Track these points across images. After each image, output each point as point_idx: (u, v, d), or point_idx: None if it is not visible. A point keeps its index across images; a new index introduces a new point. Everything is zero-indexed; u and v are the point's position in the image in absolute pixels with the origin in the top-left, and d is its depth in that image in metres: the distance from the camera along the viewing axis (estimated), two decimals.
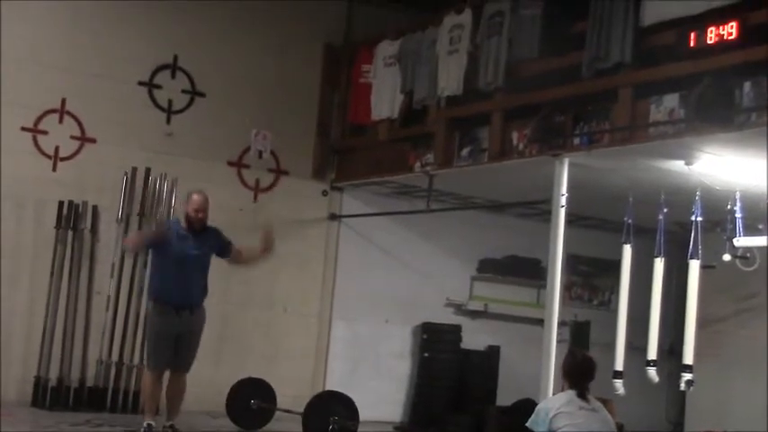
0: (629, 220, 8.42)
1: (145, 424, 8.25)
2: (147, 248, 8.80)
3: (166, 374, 8.44)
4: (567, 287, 12.26)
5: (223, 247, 8.52)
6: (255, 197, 11.09)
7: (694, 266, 8.13)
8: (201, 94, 10.80)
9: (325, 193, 11.48)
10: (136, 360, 10.06)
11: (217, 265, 10.55)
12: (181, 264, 8.21)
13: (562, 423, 5.67)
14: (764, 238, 8.43)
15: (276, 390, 9.77)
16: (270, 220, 8.80)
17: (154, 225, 9.58)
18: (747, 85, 7.22)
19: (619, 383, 8.24)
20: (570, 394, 5.83)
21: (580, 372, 5.92)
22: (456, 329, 11.74)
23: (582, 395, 5.83)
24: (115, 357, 10.04)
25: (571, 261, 11.87)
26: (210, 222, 10.70)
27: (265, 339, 10.97)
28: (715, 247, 8.51)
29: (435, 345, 11.57)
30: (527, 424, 5.84)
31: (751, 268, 8.69)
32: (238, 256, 8.65)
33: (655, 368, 8.26)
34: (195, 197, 8.37)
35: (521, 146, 9.03)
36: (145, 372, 8.70)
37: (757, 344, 11.22)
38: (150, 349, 8.44)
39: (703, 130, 7.47)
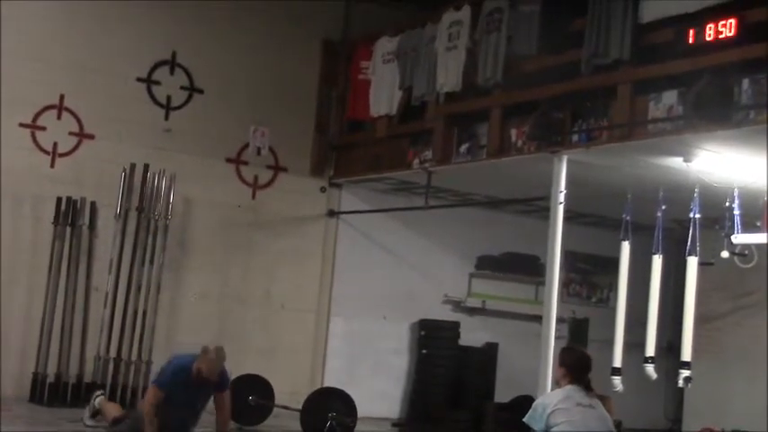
0: (628, 217, 8.43)
1: None
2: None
3: None
4: (565, 284, 12.28)
5: (219, 386, 7.88)
6: (254, 194, 11.09)
7: (692, 263, 8.13)
8: (200, 91, 10.79)
9: (323, 190, 11.48)
10: (134, 356, 10.05)
11: (214, 262, 10.59)
12: (186, 402, 7.79)
13: (559, 419, 5.68)
14: (763, 235, 8.44)
15: (274, 386, 9.77)
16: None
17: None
18: (746, 83, 7.23)
19: (617, 380, 8.24)
20: (567, 390, 5.83)
21: (581, 366, 5.93)
22: (454, 326, 11.74)
23: (587, 388, 5.83)
24: (113, 353, 10.03)
25: (569, 258, 11.87)
26: (208, 218, 10.78)
27: (263, 336, 10.96)
28: (713, 245, 8.52)
29: (433, 341, 11.58)
30: (524, 420, 5.85)
31: (749, 265, 8.70)
32: (224, 403, 7.95)
33: (653, 365, 8.27)
34: (212, 357, 7.70)
35: (519, 142, 9.03)
36: (150, 388, 8.15)
37: (755, 341, 11.24)
38: (147, 416, 7.72)
39: (702, 128, 7.47)
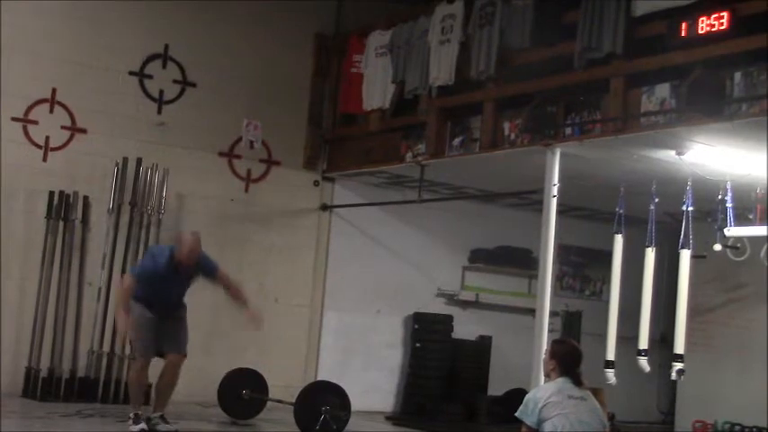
0: (621, 210, 8.43)
1: (132, 414, 8.20)
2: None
3: (157, 367, 8.39)
4: (558, 277, 12.30)
5: (208, 273, 8.33)
6: (247, 187, 11.07)
7: (685, 256, 8.15)
8: (192, 84, 10.77)
9: (316, 184, 11.47)
10: (127, 350, 10.04)
11: (210, 255, 10.54)
12: (166, 284, 8.15)
13: (552, 413, 5.68)
14: (755, 227, 8.45)
15: (268, 380, 9.76)
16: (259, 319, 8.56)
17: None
18: (738, 76, 7.24)
19: (610, 373, 8.26)
20: (559, 383, 5.83)
21: (572, 359, 5.93)
22: (447, 319, 11.74)
23: (578, 382, 5.84)
24: (106, 348, 10.02)
25: (562, 251, 11.89)
26: (203, 214, 10.76)
27: (257, 330, 10.94)
28: (706, 237, 8.54)
29: (427, 335, 11.57)
30: (516, 414, 5.84)
31: (741, 258, 8.72)
32: (225, 280, 8.40)
33: (646, 358, 8.28)
34: (187, 239, 8.13)
35: (512, 136, 9.04)
36: (131, 364, 8.63)
37: (748, 333, 11.27)
38: (135, 336, 8.34)
39: (694, 121, 7.49)
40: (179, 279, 8.21)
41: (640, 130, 7.94)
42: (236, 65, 10.95)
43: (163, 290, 8.16)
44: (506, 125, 9.11)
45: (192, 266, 8.17)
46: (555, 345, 6.19)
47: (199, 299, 10.74)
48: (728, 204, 8.32)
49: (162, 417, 8.31)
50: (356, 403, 9.24)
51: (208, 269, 8.29)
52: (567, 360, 5.93)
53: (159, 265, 8.11)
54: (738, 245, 8.67)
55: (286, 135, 11.23)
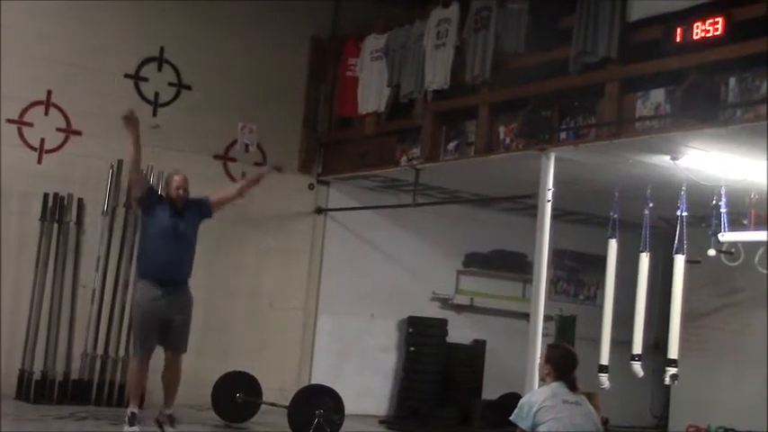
0: (615, 215, 8.44)
1: (129, 412, 8.18)
2: (142, 193, 8.45)
3: (158, 362, 8.38)
4: (552, 282, 12.30)
5: (203, 210, 8.56)
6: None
7: (679, 261, 8.16)
8: (188, 87, 10.77)
9: (311, 187, 11.47)
10: (121, 353, 10.03)
11: (204, 258, 10.55)
12: (167, 236, 8.22)
13: (546, 417, 5.69)
14: (749, 233, 8.46)
15: (262, 383, 9.76)
16: None
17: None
18: (733, 81, 7.25)
19: (604, 377, 8.27)
20: (554, 387, 5.84)
21: (567, 363, 5.94)
22: (442, 323, 11.75)
23: (572, 387, 5.84)
24: (100, 350, 10.00)
25: (557, 256, 11.88)
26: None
27: (251, 332, 10.95)
28: (700, 243, 8.55)
29: (421, 339, 11.58)
30: (511, 418, 5.85)
31: (735, 263, 8.73)
32: (225, 197, 8.81)
33: (640, 362, 8.29)
34: (175, 177, 8.42)
35: (507, 140, 9.05)
36: (131, 358, 8.62)
37: (742, 338, 11.29)
38: (136, 333, 8.36)
39: (689, 126, 7.50)
40: (177, 223, 8.29)
41: (635, 135, 7.95)
42: (232, 68, 10.95)
43: (165, 242, 8.21)
44: (501, 129, 9.12)
45: (185, 205, 8.35)
46: (550, 349, 6.20)
47: (195, 299, 10.76)
48: (723, 209, 8.33)
49: (170, 416, 8.28)
50: (350, 407, 9.23)
51: (203, 206, 8.53)
52: (562, 365, 5.94)
53: (156, 209, 8.31)
54: (733, 250, 8.67)
55: (281, 138, 11.23)
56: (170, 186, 8.43)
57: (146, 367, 8.34)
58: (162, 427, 8.26)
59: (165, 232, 8.23)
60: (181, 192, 8.34)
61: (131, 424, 8.10)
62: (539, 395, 5.87)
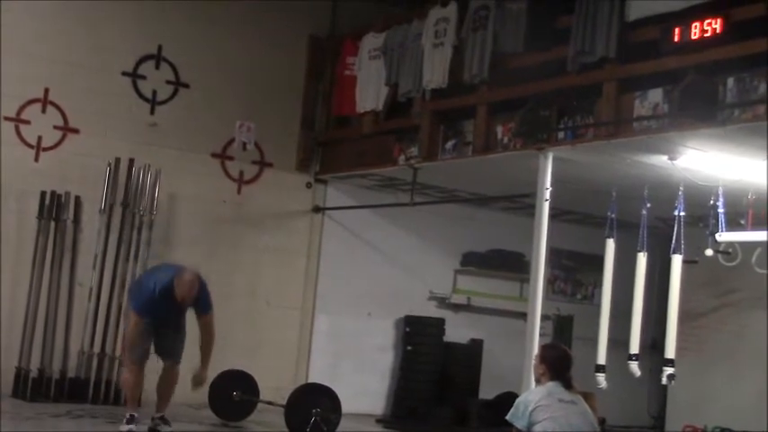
0: (613, 215, 8.45)
1: (128, 415, 8.20)
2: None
3: (153, 367, 8.38)
4: (550, 281, 12.31)
5: (201, 308, 8.17)
6: (239, 189, 11.06)
7: (677, 261, 8.16)
8: (185, 85, 10.75)
9: (309, 186, 11.46)
10: (118, 351, 10.02)
11: (199, 257, 10.56)
12: (162, 316, 8.09)
13: (541, 416, 5.69)
14: (746, 233, 8.47)
15: (259, 382, 9.75)
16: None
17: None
18: (731, 81, 7.25)
19: (601, 377, 8.27)
20: (549, 387, 5.85)
21: (562, 363, 5.95)
22: (439, 323, 11.75)
23: (568, 386, 5.85)
24: (97, 348, 10.00)
25: (554, 255, 11.88)
26: (195, 216, 10.75)
27: (248, 331, 10.94)
28: (697, 243, 8.55)
29: (418, 338, 11.57)
30: (507, 418, 5.86)
31: (733, 263, 8.74)
32: (208, 327, 8.18)
33: (637, 362, 8.29)
34: (187, 279, 7.97)
35: (505, 139, 9.04)
36: (125, 366, 8.55)
37: (739, 338, 11.30)
38: (128, 344, 8.27)
39: (687, 126, 7.50)
40: (176, 308, 8.10)
41: (633, 135, 7.95)
42: (230, 66, 10.93)
43: (160, 313, 8.08)
44: (499, 129, 9.11)
45: (192, 303, 8.09)
46: (544, 349, 6.21)
47: None
48: (720, 210, 8.33)
49: (162, 418, 8.30)
50: (347, 406, 9.22)
51: (202, 304, 8.14)
52: (556, 364, 5.95)
53: (156, 296, 7.99)
54: (730, 250, 8.68)
55: (279, 137, 11.23)
56: (180, 286, 7.94)
57: (140, 374, 8.28)
58: (157, 428, 8.25)
59: (163, 309, 8.01)
60: (190, 299, 8.00)
61: (128, 422, 8.11)
62: (534, 395, 5.88)
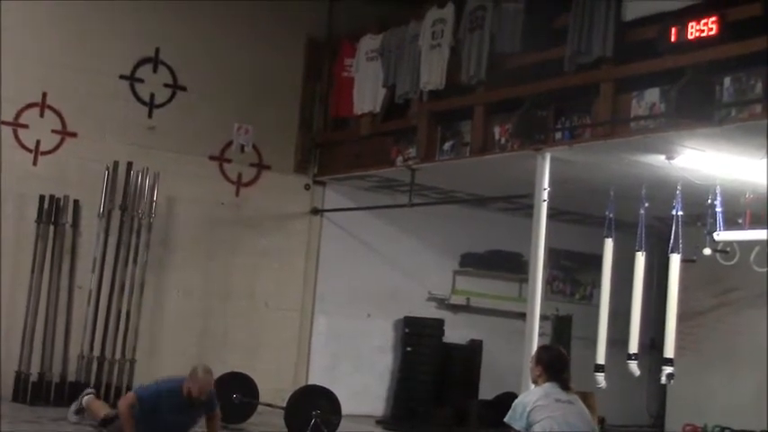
0: (611, 215, 8.46)
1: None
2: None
3: None
4: (548, 281, 12.31)
5: (209, 408, 7.83)
6: (237, 191, 11.07)
7: (675, 260, 8.18)
8: (183, 88, 10.76)
9: (307, 188, 11.47)
10: (117, 355, 10.03)
11: (197, 260, 10.56)
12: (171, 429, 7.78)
13: (539, 416, 5.70)
14: (744, 232, 8.48)
15: (258, 384, 9.76)
16: None
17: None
18: (727, 81, 7.26)
19: (600, 377, 8.28)
20: (546, 388, 5.85)
21: (558, 364, 5.95)
22: (438, 323, 11.75)
23: (565, 386, 5.86)
24: (97, 352, 10.00)
25: (553, 255, 11.90)
26: (194, 218, 10.76)
27: (247, 334, 10.95)
28: (696, 242, 8.56)
29: (417, 339, 11.58)
30: (505, 419, 5.86)
31: (731, 262, 8.75)
32: (215, 422, 7.87)
33: (636, 362, 8.30)
34: (201, 377, 7.60)
35: (503, 140, 9.05)
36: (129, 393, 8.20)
37: (737, 337, 11.31)
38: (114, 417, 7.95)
39: (684, 125, 7.51)
40: (192, 412, 7.76)
41: (630, 135, 7.97)
42: (228, 69, 10.94)
43: (176, 422, 7.71)
44: (497, 129, 9.12)
45: (202, 403, 7.71)
46: (540, 351, 6.23)
47: (190, 303, 10.78)
48: (718, 209, 8.35)
49: None
50: (346, 407, 9.24)
51: (210, 405, 7.82)
52: (552, 365, 5.96)
53: (173, 402, 7.61)
54: (728, 249, 8.70)
55: (277, 139, 11.24)
56: (194, 384, 7.55)
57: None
58: None
59: (171, 424, 7.67)
60: (203, 395, 7.62)
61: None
62: (532, 395, 5.88)
